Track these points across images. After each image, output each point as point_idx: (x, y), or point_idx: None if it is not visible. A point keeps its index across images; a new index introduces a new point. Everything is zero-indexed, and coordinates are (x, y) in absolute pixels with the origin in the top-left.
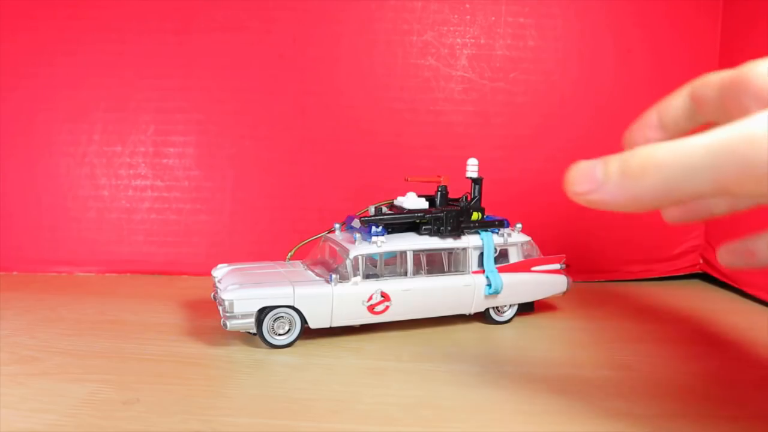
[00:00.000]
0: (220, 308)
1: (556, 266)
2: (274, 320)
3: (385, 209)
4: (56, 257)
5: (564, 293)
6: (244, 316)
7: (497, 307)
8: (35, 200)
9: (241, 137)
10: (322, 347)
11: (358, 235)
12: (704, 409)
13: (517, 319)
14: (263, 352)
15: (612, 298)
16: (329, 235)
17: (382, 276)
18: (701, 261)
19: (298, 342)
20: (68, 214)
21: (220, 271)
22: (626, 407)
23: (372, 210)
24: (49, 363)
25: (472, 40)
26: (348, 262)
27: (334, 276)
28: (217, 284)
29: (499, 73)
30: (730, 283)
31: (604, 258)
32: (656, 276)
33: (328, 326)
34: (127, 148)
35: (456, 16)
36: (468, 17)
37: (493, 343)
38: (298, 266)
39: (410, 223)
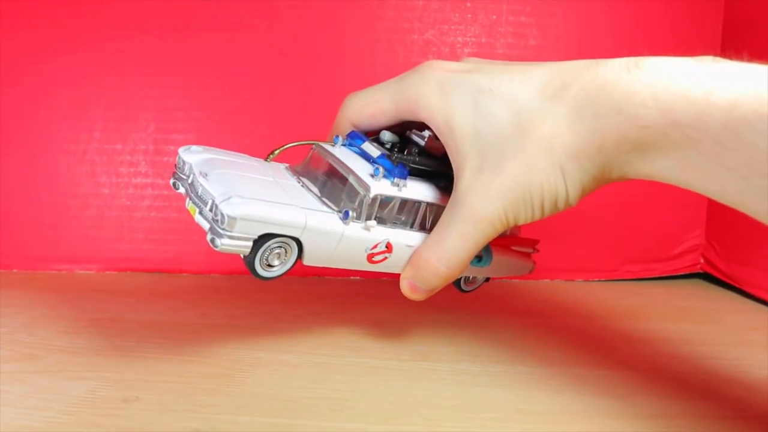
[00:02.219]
0: (200, 213)
1: (530, 250)
2: (270, 250)
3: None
4: (56, 255)
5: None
6: (242, 237)
7: (469, 277)
8: (35, 198)
9: (242, 135)
10: (321, 346)
11: (380, 169)
12: (704, 410)
13: (515, 318)
14: (263, 350)
15: (611, 298)
16: (324, 145)
17: (389, 222)
18: (702, 260)
19: (296, 340)
20: (68, 211)
21: (193, 155)
22: (626, 407)
23: (387, 136)
24: (48, 360)
25: (473, 39)
26: (365, 199)
27: (351, 213)
28: (196, 175)
29: None
30: (731, 282)
31: (603, 257)
32: (656, 275)
33: (322, 266)
34: (128, 145)
35: (457, 15)
36: (469, 16)
37: (492, 342)
38: (283, 172)
39: (425, 170)
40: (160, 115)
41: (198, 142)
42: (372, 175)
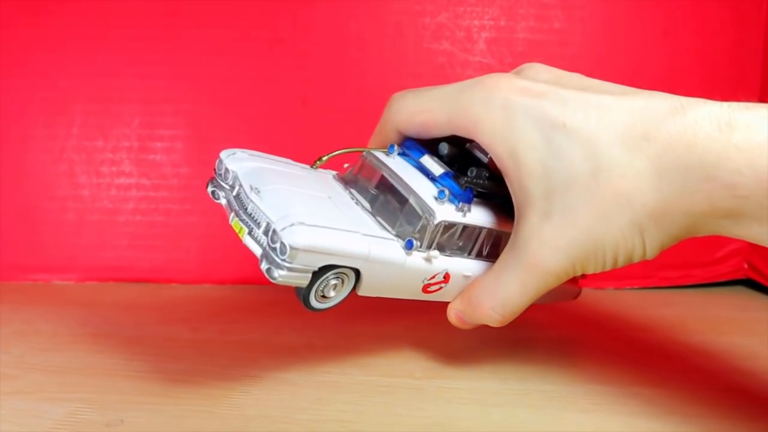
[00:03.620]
0: (249, 235)
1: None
2: (327, 281)
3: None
4: (31, 264)
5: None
6: (302, 270)
7: None
8: (7, 201)
9: (236, 130)
10: (326, 362)
11: (445, 192)
12: (750, 431)
13: (539, 331)
14: (261, 368)
15: (645, 308)
16: (377, 154)
17: (447, 250)
18: (746, 266)
19: (298, 356)
20: (44, 216)
21: (239, 163)
22: (663, 427)
23: (446, 149)
24: (24, 380)
25: (491, 22)
26: (428, 226)
27: (415, 242)
28: (245, 190)
29: (520, 58)
30: None
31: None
32: (695, 283)
33: (375, 296)
34: (110, 142)
35: None
36: None
37: (515, 357)
38: (333, 183)
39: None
40: (145, 108)
41: (187, 138)
42: (436, 198)
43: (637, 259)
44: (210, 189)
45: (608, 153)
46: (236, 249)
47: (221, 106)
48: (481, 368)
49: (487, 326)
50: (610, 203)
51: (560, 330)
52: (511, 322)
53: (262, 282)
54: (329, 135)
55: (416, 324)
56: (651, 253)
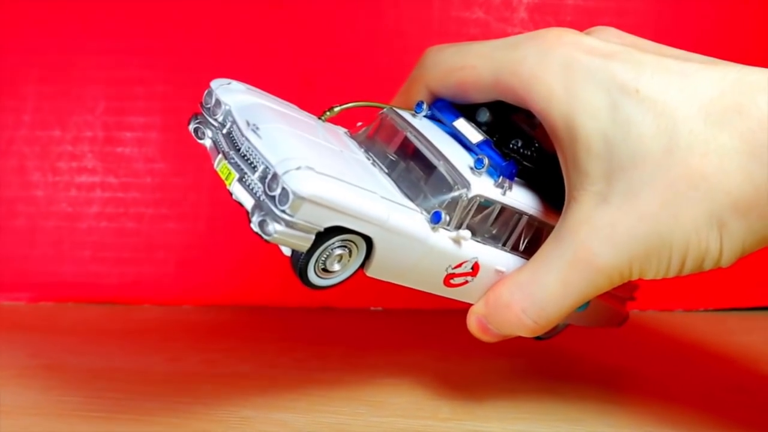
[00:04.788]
0: (240, 181)
1: (627, 296)
2: (331, 250)
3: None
4: None
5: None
6: (305, 227)
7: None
8: None
9: None
10: (331, 400)
11: (483, 161)
12: None
13: (591, 362)
14: (253, 407)
15: (719, 334)
16: (401, 112)
17: (478, 235)
18: None
19: (298, 393)
20: None
21: (233, 95)
22: None
23: (485, 116)
24: None
25: None
26: (460, 200)
27: (443, 216)
28: (239, 126)
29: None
30: None
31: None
32: None
33: (386, 280)
34: (69, 131)
35: None
36: None
37: (562, 393)
38: (345, 139)
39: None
40: (112, 89)
41: (164, 127)
42: (472, 168)
43: (709, 265)
44: (192, 126)
45: (688, 127)
46: (222, 262)
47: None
48: (519, 407)
49: (526, 354)
50: (685, 188)
51: (612, 361)
52: (554, 353)
53: (254, 302)
54: (338, 121)
55: (442, 354)
56: (728, 257)
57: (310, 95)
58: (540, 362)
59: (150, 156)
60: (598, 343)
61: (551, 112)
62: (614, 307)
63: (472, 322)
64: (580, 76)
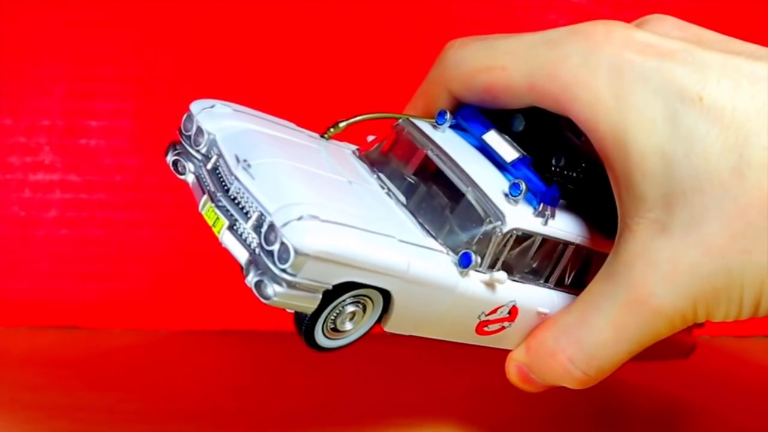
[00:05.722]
0: (231, 230)
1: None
2: (342, 307)
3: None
4: None
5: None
6: (310, 287)
7: None
8: None
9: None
10: None
11: (521, 187)
12: None
13: (639, 398)
14: None
15: None
16: (419, 123)
17: (516, 272)
18: None
19: None
20: None
21: (218, 122)
22: None
23: (520, 124)
24: None
25: None
26: (494, 235)
27: (473, 258)
28: (228, 162)
29: (635, 6)
30: None
31: None
32: None
33: (408, 333)
34: (22, 120)
35: None
36: None
37: None
38: (352, 161)
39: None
40: (75, 70)
41: (136, 115)
42: (507, 195)
43: None
44: (171, 157)
45: (762, 142)
46: (205, 276)
47: (185, 67)
48: None
49: (563, 389)
50: (758, 216)
51: (668, 398)
52: (605, 389)
53: (246, 326)
54: (345, 109)
55: (470, 388)
56: None
57: (313, 77)
58: (589, 398)
59: (120, 149)
60: (658, 377)
61: (598, 124)
62: (678, 335)
63: (512, 371)
64: (632, 80)
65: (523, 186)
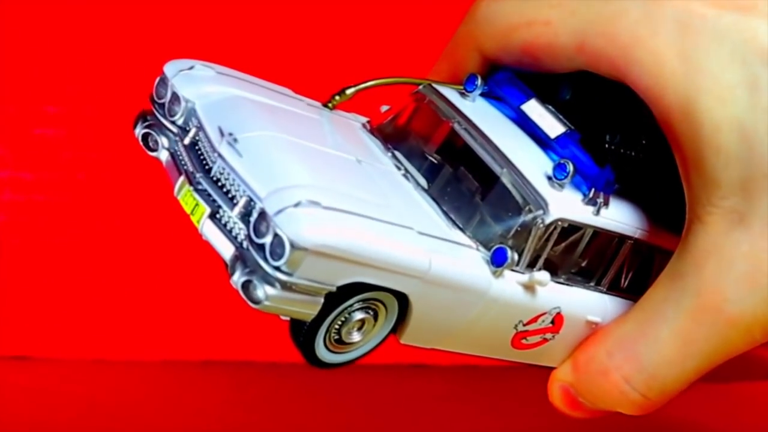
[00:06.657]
0: (213, 218)
1: None
2: (348, 313)
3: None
4: None
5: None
6: (309, 289)
7: None
8: None
9: None
10: None
11: (568, 168)
12: None
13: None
14: None
15: None
16: (444, 91)
17: (561, 273)
18: None
19: None
20: None
21: (199, 85)
22: None
23: (567, 92)
24: None
25: None
26: (535, 228)
27: (509, 254)
28: (209, 135)
29: None
30: None
31: None
32: None
33: (431, 347)
34: None
35: None
36: None
37: None
38: (361, 135)
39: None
40: (27, 42)
41: (104, 96)
42: (551, 178)
43: None
44: (140, 130)
45: None
46: (192, 300)
47: (165, 40)
48: None
49: (618, 415)
50: None
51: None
52: (660, 420)
53: (237, 356)
54: (353, 74)
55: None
56: None
57: (309, 61)
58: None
59: (82, 141)
60: (728, 408)
61: (663, 92)
62: (758, 350)
63: (556, 393)
64: (704, 39)
65: (570, 167)
